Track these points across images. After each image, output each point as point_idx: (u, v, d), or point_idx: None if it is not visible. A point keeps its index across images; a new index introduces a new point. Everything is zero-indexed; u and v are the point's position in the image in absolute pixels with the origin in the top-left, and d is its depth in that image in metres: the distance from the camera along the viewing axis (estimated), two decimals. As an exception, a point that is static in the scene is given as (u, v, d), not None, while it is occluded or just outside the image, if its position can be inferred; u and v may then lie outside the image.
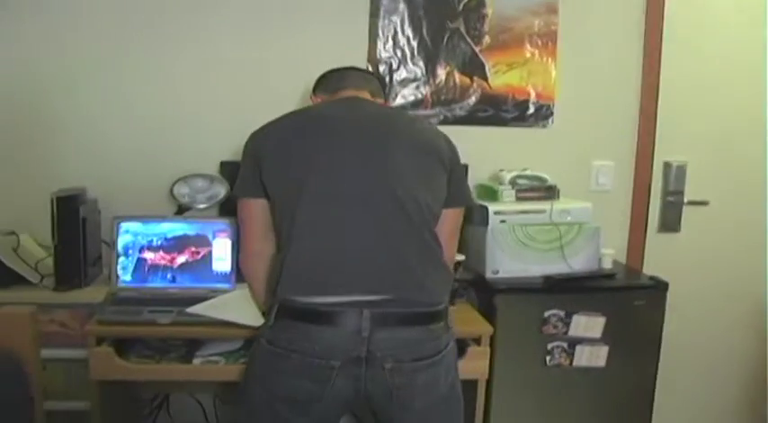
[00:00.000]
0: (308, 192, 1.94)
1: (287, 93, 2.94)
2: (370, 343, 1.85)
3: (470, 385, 2.51)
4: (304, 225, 1.92)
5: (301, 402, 1.88)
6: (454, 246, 2.24)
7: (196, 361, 2.43)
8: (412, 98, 3.16)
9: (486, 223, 2.78)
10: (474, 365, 2.48)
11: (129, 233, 2.67)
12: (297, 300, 1.89)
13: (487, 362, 2.51)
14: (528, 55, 3.19)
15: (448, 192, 2.10)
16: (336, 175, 1.97)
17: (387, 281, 1.90)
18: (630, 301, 2.79)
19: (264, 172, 2.03)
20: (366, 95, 2.24)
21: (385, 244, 1.92)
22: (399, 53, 3.11)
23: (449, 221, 2.13)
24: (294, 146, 2.03)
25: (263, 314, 2.08)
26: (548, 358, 2.73)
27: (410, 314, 1.90)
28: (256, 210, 2.09)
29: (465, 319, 2.59)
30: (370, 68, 3.08)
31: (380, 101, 2.35)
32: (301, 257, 1.91)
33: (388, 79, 3.12)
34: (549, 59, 3.21)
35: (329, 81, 2.34)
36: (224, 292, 2.61)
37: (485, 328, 2.53)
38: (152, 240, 2.68)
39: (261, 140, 2.10)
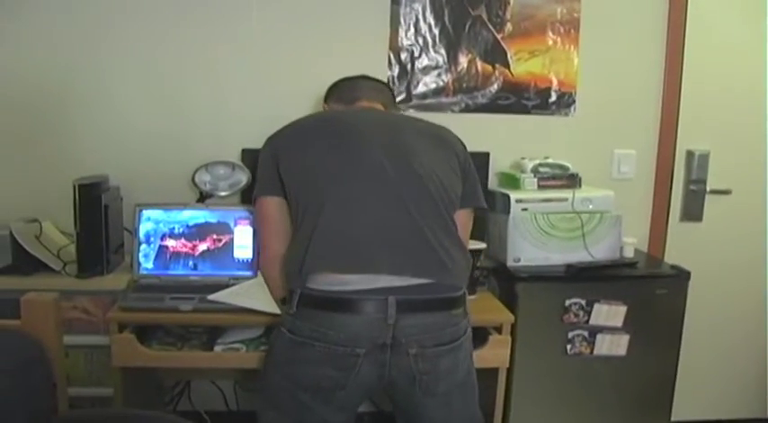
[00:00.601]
0: (326, 174, 1.97)
1: (309, 80, 2.93)
2: (395, 329, 1.85)
3: (491, 373, 2.52)
4: (325, 205, 1.92)
5: (325, 390, 1.89)
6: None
7: (217, 348, 2.44)
8: (434, 86, 3.14)
9: (508, 211, 2.78)
10: (495, 354, 2.48)
11: (150, 221, 2.68)
12: (319, 289, 1.89)
13: (508, 350, 2.51)
14: (550, 43, 3.17)
15: (462, 190, 2.11)
16: (354, 156, 1.99)
17: (410, 259, 1.90)
18: (652, 290, 2.79)
19: (282, 166, 2.04)
20: (379, 107, 2.28)
21: (407, 221, 1.92)
22: (421, 41, 3.10)
23: (459, 223, 2.11)
24: (311, 138, 2.06)
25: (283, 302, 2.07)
26: (568, 347, 2.73)
27: (433, 300, 1.91)
28: (273, 208, 2.09)
29: (486, 307, 2.60)
30: (392, 56, 3.08)
31: (393, 111, 2.40)
32: (325, 236, 1.91)
33: (409, 67, 3.11)
34: (572, 47, 3.18)
35: (342, 91, 2.35)
36: (245, 279, 2.62)
37: (506, 317, 2.53)
38: (174, 228, 2.69)
39: (278, 141, 2.13)
